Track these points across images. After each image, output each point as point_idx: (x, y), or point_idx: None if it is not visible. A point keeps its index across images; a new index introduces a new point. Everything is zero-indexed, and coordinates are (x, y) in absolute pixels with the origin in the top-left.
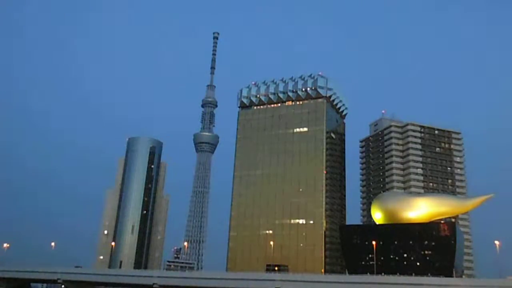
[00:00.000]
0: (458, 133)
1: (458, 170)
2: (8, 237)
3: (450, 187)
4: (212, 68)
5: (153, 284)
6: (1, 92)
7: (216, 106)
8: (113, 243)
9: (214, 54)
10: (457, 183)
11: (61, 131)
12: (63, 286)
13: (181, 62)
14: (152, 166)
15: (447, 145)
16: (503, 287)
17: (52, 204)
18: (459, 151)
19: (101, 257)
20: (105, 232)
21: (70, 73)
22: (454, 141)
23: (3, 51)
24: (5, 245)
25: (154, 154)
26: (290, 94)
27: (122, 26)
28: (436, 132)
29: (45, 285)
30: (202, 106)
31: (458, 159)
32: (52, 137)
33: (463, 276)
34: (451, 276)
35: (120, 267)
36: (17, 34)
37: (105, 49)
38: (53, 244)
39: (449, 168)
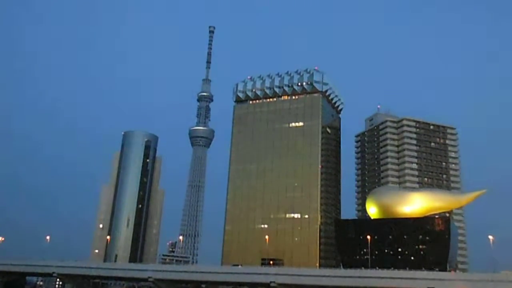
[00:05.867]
0: (453, 128)
1: (453, 165)
2: (3, 231)
3: (444, 182)
4: (208, 62)
5: (148, 277)
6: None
7: (212, 100)
8: (108, 237)
9: (210, 49)
10: (452, 178)
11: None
12: (58, 279)
13: (176, 56)
14: (148, 160)
15: (442, 140)
16: (496, 281)
17: (47, 197)
18: (454, 146)
19: (96, 251)
20: (101, 225)
21: (71, 69)
22: (449, 136)
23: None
24: None
25: (150, 148)
26: (286, 88)
27: (120, 22)
28: (431, 127)
29: (40, 278)
30: (198, 100)
31: (453, 154)
32: (57, 127)
33: (457, 270)
34: (445, 270)
35: (115, 260)
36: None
37: (104, 44)
38: (48, 237)
39: (443, 163)
